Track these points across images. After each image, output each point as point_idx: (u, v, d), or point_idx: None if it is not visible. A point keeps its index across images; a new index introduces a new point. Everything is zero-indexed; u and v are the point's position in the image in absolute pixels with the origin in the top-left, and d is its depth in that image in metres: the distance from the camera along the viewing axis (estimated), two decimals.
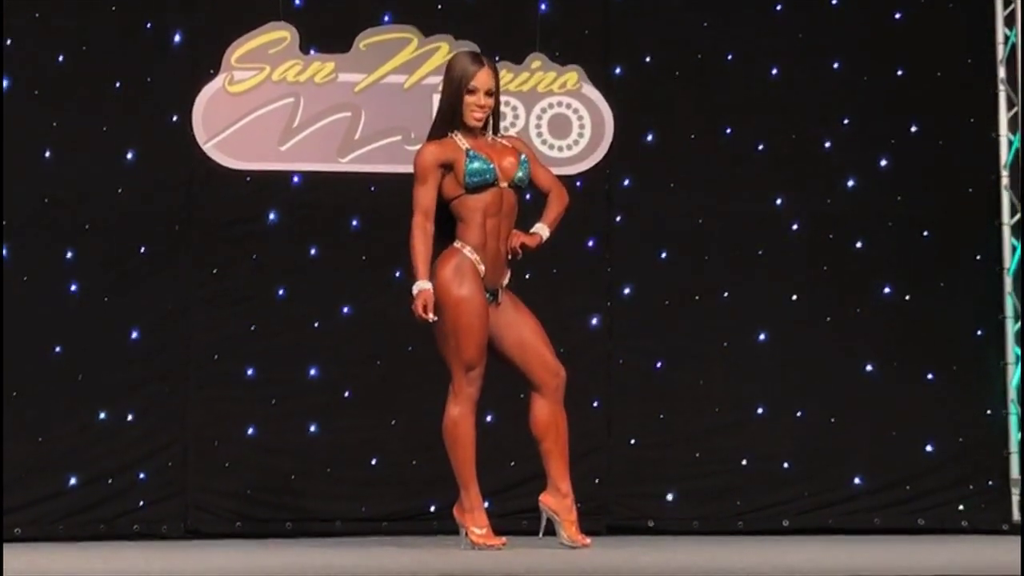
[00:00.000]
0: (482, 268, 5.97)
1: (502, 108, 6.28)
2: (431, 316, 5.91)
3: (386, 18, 7.49)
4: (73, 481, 7.14)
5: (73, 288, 7.22)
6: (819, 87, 7.73)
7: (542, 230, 6.07)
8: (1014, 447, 7.67)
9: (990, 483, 7.61)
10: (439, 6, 7.54)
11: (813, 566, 5.06)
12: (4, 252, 7.11)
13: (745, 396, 7.54)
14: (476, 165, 5.95)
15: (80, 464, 7.14)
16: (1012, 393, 7.68)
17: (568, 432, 6.05)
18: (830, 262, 7.67)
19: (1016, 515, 7.62)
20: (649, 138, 7.63)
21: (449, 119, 6.01)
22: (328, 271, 7.38)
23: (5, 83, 7.17)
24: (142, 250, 7.27)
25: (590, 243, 7.53)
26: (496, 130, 6.09)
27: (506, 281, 6.07)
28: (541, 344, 6.03)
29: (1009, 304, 7.72)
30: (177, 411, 7.23)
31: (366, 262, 7.41)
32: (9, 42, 7.17)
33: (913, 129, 7.76)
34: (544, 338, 6.05)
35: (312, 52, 7.42)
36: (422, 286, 5.95)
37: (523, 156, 6.06)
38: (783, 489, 7.51)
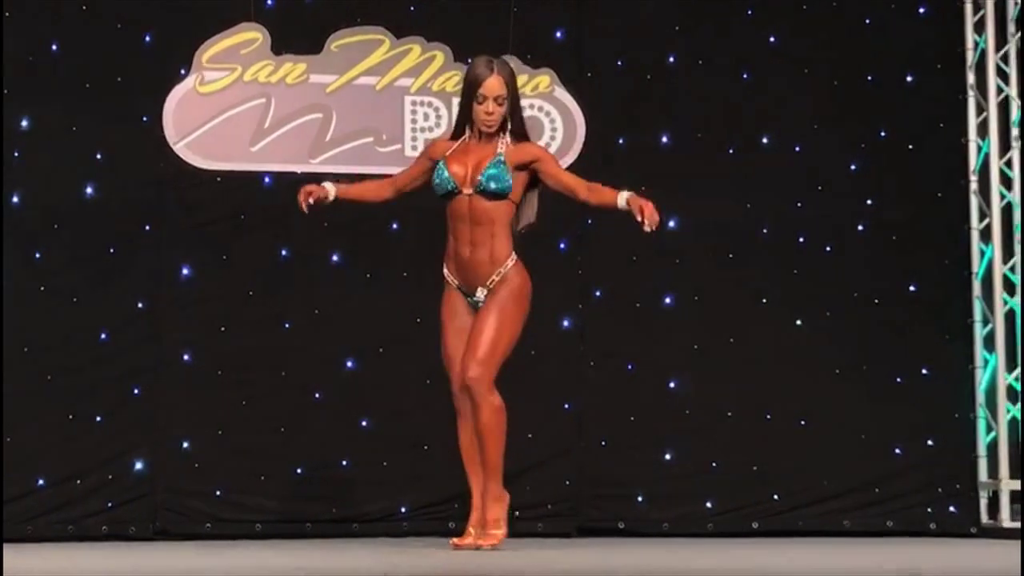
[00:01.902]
0: (450, 276, 6.01)
1: None
2: (305, 202, 6.15)
3: (358, 20, 7.48)
4: (41, 482, 7.10)
5: (42, 288, 7.19)
6: (790, 92, 7.75)
7: (622, 196, 5.99)
8: (982, 450, 7.70)
9: (958, 486, 7.65)
10: (411, 8, 7.53)
11: (783, 568, 5.07)
12: None
13: (715, 399, 7.56)
14: (437, 175, 6.03)
15: (48, 465, 7.10)
16: (980, 397, 7.71)
17: (485, 436, 5.96)
18: (800, 266, 7.70)
19: (984, 518, 7.66)
20: (620, 141, 7.64)
21: (462, 121, 6.07)
22: (299, 272, 7.37)
23: None
24: (111, 250, 7.25)
25: (562, 245, 7.53)
26: (518, 134, 6.04)
27: (488, 285, 5.98)
28: (473, 343, 5.95)
29: (977, 308, 7.76)
30: (146, 412, 7.20)
31: (337, 263, 7.40)
32: None
33: (883, 134, 7.80)
34: (482, 339, 5.94)
35: (284, 53, 7.41)
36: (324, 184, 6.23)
37: (495, 159, 6.01)
38: (753, 492, 7.52)
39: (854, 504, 7.56)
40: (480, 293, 6.01)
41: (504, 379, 5.98)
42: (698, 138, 7.68)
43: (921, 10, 7.85)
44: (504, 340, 5.97)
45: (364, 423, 7.35)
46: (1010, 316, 7.74)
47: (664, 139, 7.66)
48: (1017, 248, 7.76)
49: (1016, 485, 7.59)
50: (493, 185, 5.96)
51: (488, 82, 5.96)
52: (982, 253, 7.79)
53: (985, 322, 7.75)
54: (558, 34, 7.63)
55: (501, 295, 5.99)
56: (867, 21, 7.81)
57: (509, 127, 6.03)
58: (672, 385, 7.54)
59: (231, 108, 7.36)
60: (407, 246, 7.34)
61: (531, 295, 6.08)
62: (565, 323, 7.50)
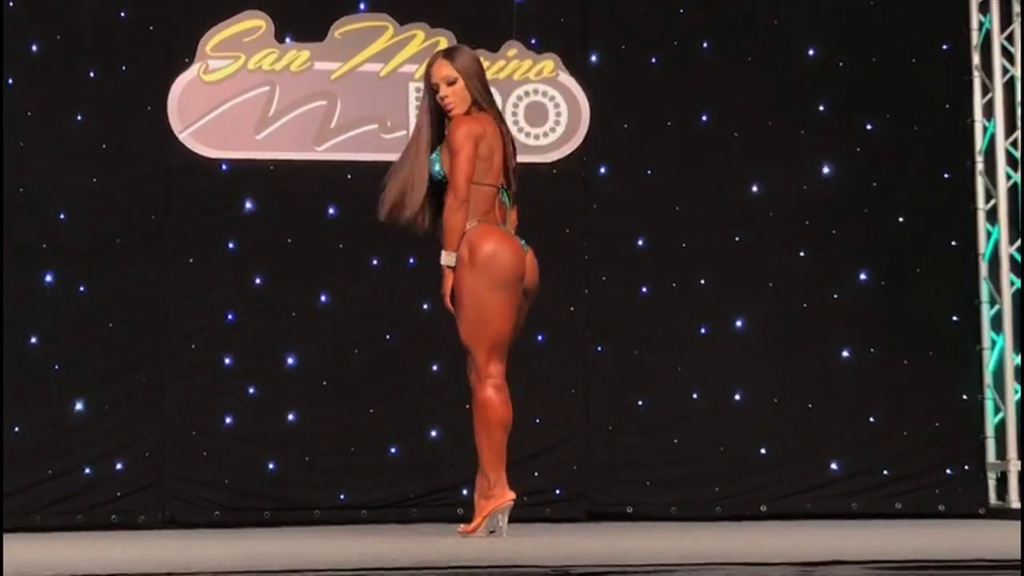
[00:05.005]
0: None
1: None
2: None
3: (361, 6, 7.48)
4: (50, 471, 7.12)
5: (49, 278, 7.20)
6: (795, 74, 7.74)
7: (447, 257, 5.81)
8: (990, 431, 7.71)
9: (966, 467, 7.65)
10: None
11: (791, 551, 5.06)
12: None
13: (722, 382, 7.56)
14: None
15: (57, 454, 7.12)
16: (988, 378, 7.71)
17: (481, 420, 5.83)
18: (806, 249, 7.69)
19: (993, 498, 7.67)
20: (625, 125, 7.64)
21: (440, 121, 5.93)
22: (305, 259, 7.37)
23: None
24: (118, 240, 7.25)
25: (567, 230, 7.53)
26: (484, 108, 5.90)
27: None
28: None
29: (984, 289, 7.76)
30: (154, 401, 7.21)
31: (343, 250, 7.40)
32: None
33: (888, 115, 7.78)
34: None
35: (287, 41, 7.41)
36: None
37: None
38: (761, 475, 7.53)
39: (862, 486, 7.56)
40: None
41: (510, 365, 5.96)
42: (702, 121, 7.67)
43: None
44: (467, 325, 5.81)
45: (372, 410, 7.35)
46: (1017, 297, 7.73)
47: (668, 123, 7.65)
48: None
49: None
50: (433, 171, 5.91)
51: (434, 69, 5.88)
52: (989, 234, 7.79)
53: (992, 303, 7.75)
54: (562, 18, 7.61)
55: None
56: (871, 2, 7.79)
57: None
58: (679, 369, 7.54)
59: (236, 96, 7.36)
60: (413, 233, 7.32)
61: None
62: (571, 308, 7.50)
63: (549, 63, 7.54)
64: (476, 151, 5.81)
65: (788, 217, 7.69)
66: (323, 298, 7.37)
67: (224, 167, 7.36)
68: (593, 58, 7.63)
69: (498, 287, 5.80)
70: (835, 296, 7.68)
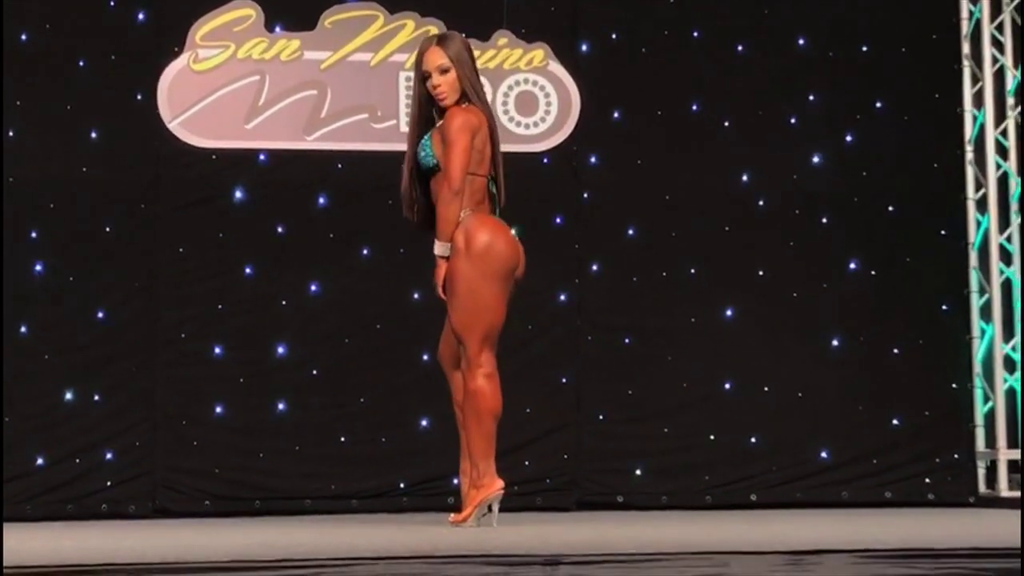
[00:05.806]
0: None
1: None
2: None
3: None
4: (40, 461, 7.11)
5: (39, 267, 7.19)
6: (785, 63, 7.74)
7: (440, 247, 5.81)
8: (979, 420, 7.72)
9: (956, 456, 7.67)
10: None
11: (781, 540, 5.08)
12: None
13: (713, 371, 7.57)
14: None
15: (47, 444, 7.11)
16: (977, 367, 7.73)
17: (464, 416, 5.87)
18: (796, 238, 7.70)
19: (982, 487, 7.68)
20: (616, 115, 7.63)
21: (428, 107, 5.91)
22: (295, 249, 7.36)
23: None
24: (108, 229, 7.25)
25: (557, 220, 7.53)
26: (472, 99, 5.87)
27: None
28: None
29: (974, 278, 7.77)
30: (145, 390, 7.21)
31: (333, 240, 7.40)
32: None
33: (878, 105, 7.79)
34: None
35: (277, 30, 7.40)
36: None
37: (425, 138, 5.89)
38: (751, 464, 7.54)
39: (852, 475, 7.57)
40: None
41: (501, 354, 5.97)
42: (692, 111, 7.67)
43: None
44: (460, 313, 5.81)
45: (362, 399, 7.35)
46: (1006, 286, 7.75)
47: (659, 112, 7.65)
48: (1014, 218, 7.76)
49: (1013, 455, 7.61)
50: (422, 159, 5.89)
51: (427, 56, 5.86)
52: (978, 223, 7.80)
53: (982, 292, 7.76)
54: (552, 8, 7.60)
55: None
56: None
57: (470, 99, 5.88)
58: (669, 358, 7.55)
59: (225, 86, 7.35)
60: (403, 222, 7.32)
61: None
62: (561, 297, 7.50)
63: (539, 52, 7.54)
64: (472, 143, 5.82)
65: (778, 206, 7.69)
66: (313, 288, 7.37)
67: (214, 156, 7.35)
68: (583, 47, 7.62)
69: (493, 277, 5.80)
70: (825, 285, 7.68)
